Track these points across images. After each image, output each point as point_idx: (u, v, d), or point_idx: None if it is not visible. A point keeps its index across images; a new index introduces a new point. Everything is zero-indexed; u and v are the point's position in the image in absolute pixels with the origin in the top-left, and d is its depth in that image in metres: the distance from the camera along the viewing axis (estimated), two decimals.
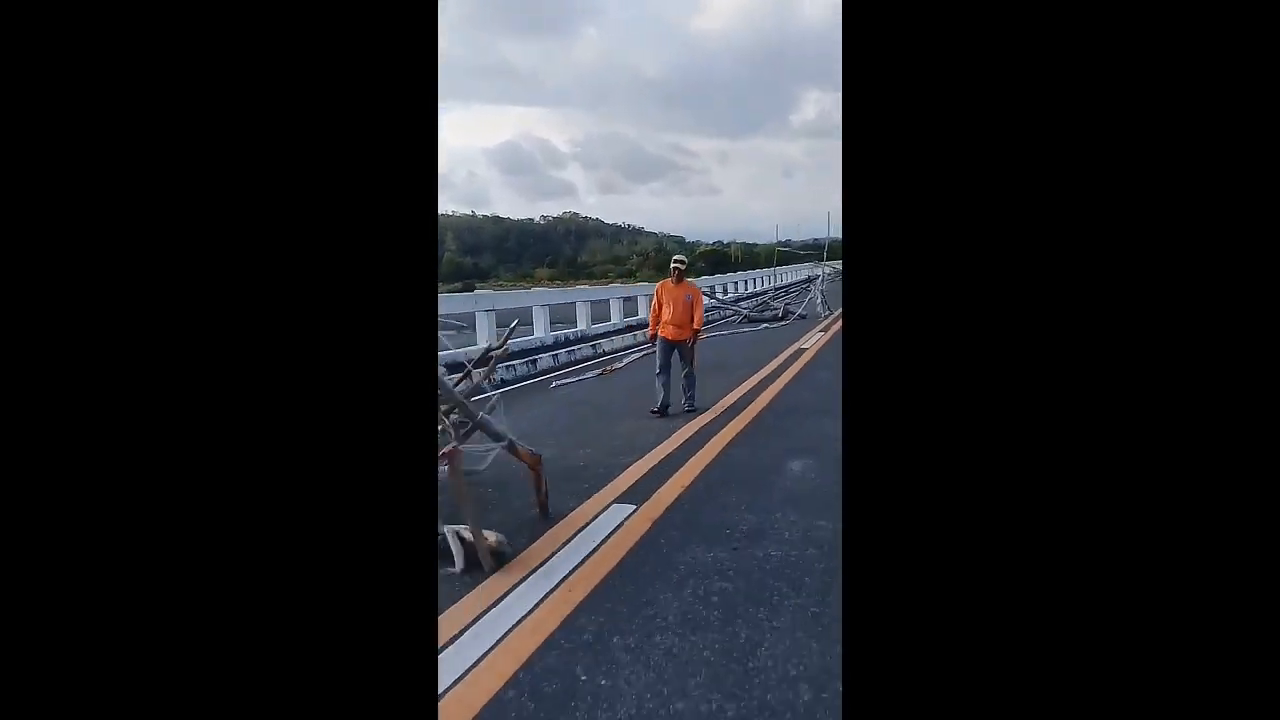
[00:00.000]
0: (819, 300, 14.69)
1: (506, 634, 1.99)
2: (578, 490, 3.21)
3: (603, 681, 1.76)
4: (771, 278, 22.30)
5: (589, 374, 7.14)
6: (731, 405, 5.27)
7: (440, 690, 1.71)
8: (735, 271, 22.47)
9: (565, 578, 2.34)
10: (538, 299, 9.44)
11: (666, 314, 5.27)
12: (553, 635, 1.98)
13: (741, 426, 4.57)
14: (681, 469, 3.59)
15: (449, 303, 7.69)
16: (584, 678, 1.78)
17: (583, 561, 2.47)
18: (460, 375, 3.31)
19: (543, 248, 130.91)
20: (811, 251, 31.84)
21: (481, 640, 1.96)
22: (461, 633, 2.00)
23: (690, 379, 5.23)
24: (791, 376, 6.61)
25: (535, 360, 7.77)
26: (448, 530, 2.48)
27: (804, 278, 24.46)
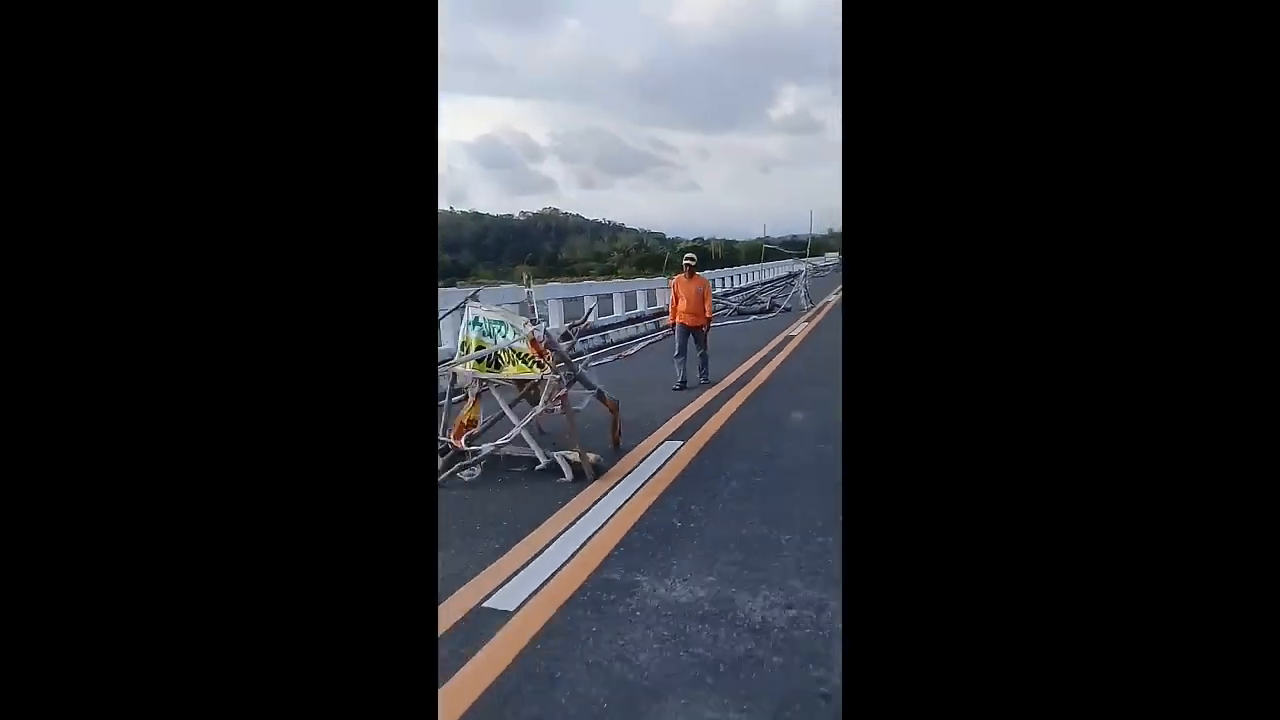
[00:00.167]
0: (802, 294, 15.89)
1: (619, 508, 3.04)
2: (635, 435, 4.26)
3: (692, 524, 2.84)
4: (759, 273, 23.63)
5: (607, 358, 8.18)
6: (738, 379, 6.35)
7: (571, 549, 2.72)
8: (716, 269, 23.70)
9: (647, 481, 3.41)
10: (550, 293, 10.45)
11: (682, 305, 6.32)
12: (652, 505, 3.04)
13: (749, 393, 5.67)
14: (709, 420, 4.67)
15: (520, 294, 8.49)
16: (676, 526, 2.84)
17: (655, 472, 3.53)
18: (563, 340, 4.33)
19: (523, 244, 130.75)
20: (792, 249, 33.22)
21: (601, 514, 3.00)
22: (586, 512, 3.04)
23: (704, 358, 6.30)
24: (784, 357, 7.72)
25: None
26: (555, 454, 3.52)
27: (785, 274, 25.75)
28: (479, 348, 3.85)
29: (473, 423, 3.85)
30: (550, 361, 3.61)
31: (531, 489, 3.37)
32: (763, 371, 6.80)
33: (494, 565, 2.50)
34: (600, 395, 3.95)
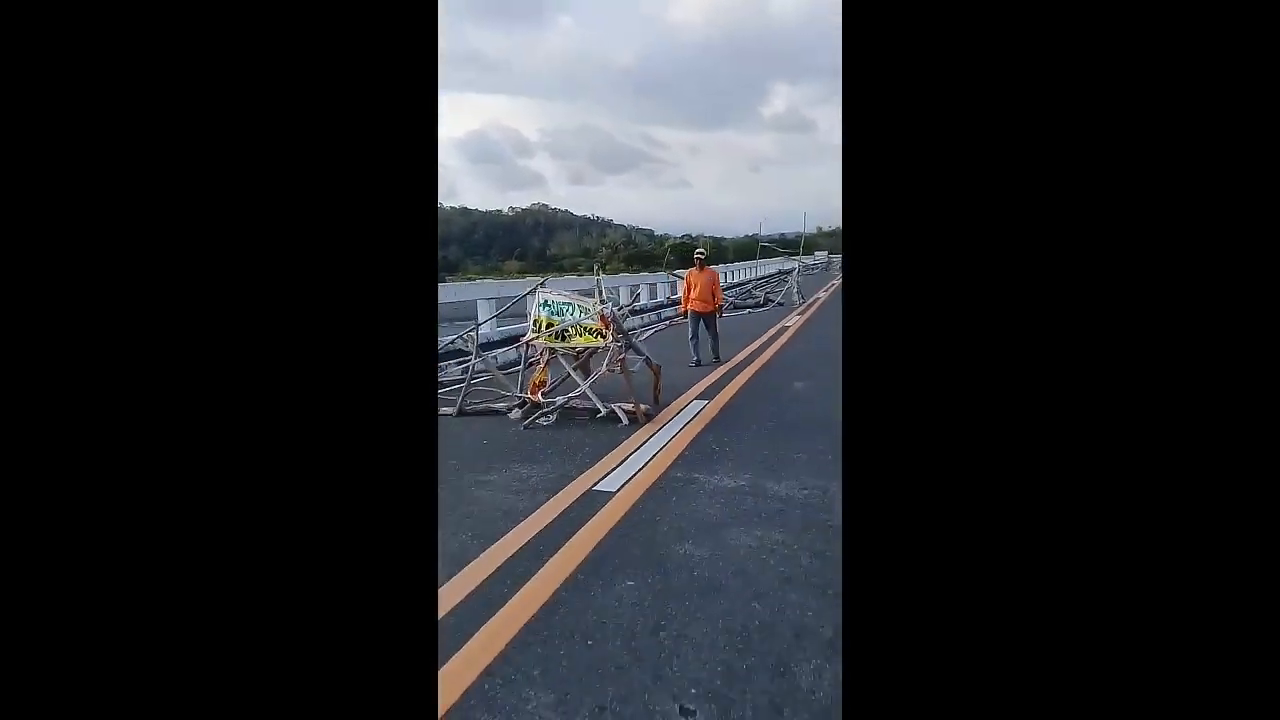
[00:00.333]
0: (795, 290, 17.04)
1: (668, 442, 4.10)
2: (668, 396, 5.32)
3: (726, 449, 3.91)
4: (751, 270, 24.85)
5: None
6: (744, 359, 7.43)
7: (642, 461, 3.77)
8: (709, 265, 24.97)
9: (685, 425, 4.47)
10: (568, 286, 11.48)
11: (694, 293, 7.39)
12: (692, 441, 4.11)
13: (756, 369, 6.75)
14: (725, 387, 5.75)
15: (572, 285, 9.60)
16: (715, 449, 3.91)
17: (690, 420, 4.60)
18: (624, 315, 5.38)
19: (511, 240, 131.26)
20: (783, 247, 34.52)
21: (657, 443, 4.06)
22: (646, 441, 4.09)
23: (715, 337, 7.38)
24: (782, 343, 8.82)
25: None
26: (614, 406, 4.57)
27: (775, 271, 27.00)
28: (549, 325, 4.90)
29: (543, 383, 4.90)
30: (612, 333, 4.67)
31: (599, 429, 4.43)
32: (765, 354, 7.89)
33: (590, 470, 3.55)
34: (648, 360, 5.02)
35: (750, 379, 6.24)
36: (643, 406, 4.59)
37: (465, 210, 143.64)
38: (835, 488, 3.21)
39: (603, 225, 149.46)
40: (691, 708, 1.67)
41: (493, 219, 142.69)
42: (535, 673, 1.82)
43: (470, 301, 8.80)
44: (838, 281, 23.49)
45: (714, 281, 7.53)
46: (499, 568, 2.46)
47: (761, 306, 15.31)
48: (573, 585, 2.31)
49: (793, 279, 18.56)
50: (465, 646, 1.94)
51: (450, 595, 2.25)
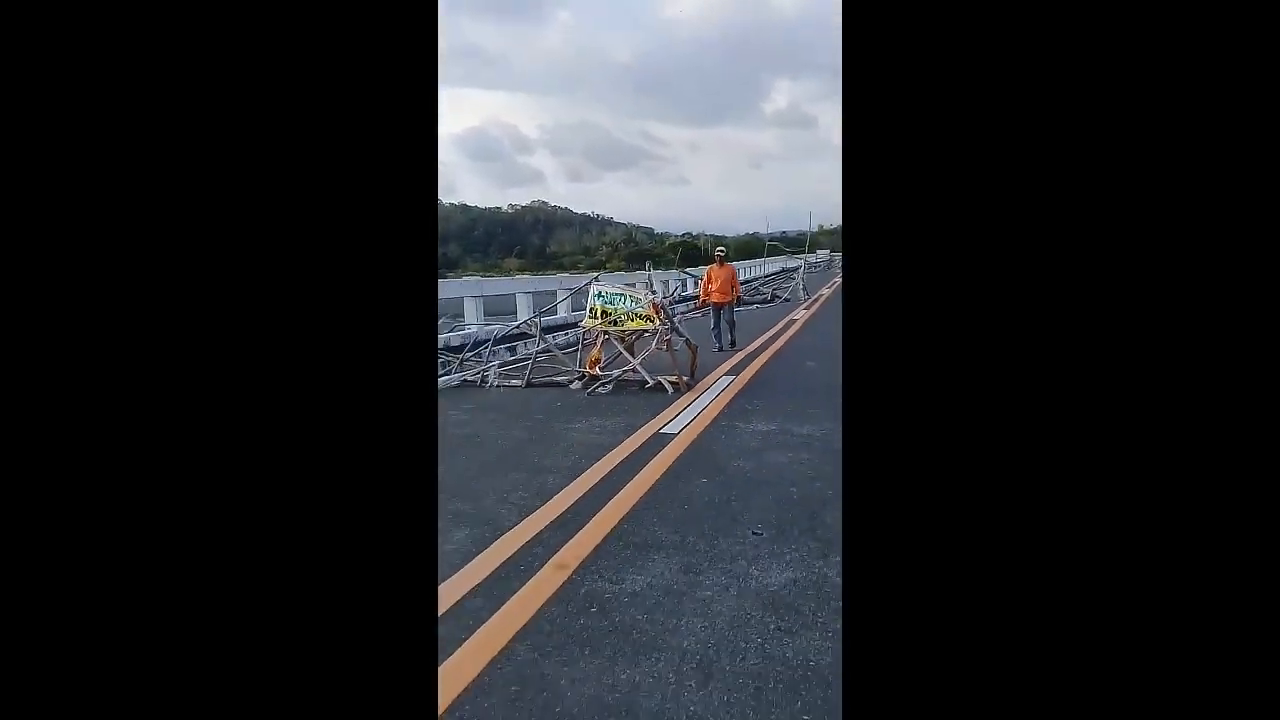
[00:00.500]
0: (801, 287, 18.15)
1: (709, 404, 5.19)
2: (699, 374, 6.41)
3: (757, 408, 5.02)
4: (761, 267, 26.11)
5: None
6: (759, 347, 8.52)
7: (692, 416, 4.85)
8: (706, 264, 26.29)
9: (719, 394, 5.56)
10: (569, 283, 12.57)
11: (714, 286, 8.47)
12: (728, 403, 5.20)
13: (772, 353, 7.84)
14: (748, 367, 6.84)
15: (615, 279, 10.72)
16: (748, 408, 5.00)
17: (723, 391, 5.69)
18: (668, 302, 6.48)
19: (511, 237, 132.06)
20: (786, 245, 35.73)
21: (700, 405, 5.15)
22: (690, 404, 5.17)
23: (733, 327, 8.47)
24: (793, 333, 9.92)
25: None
26: (660, 378, 5.66)
27: (779, 269, 28.17)
28: (604, 313, 5.98)
29: (598, 360, 5.99)
30: (660, 317, 5.76)
31: (649, 396, 5.51)
32: (777, 342, 8.98)
33: (651, 421, 4.63)
34: (687, 341, 6.12)
35: (768, 361, 7.33)
36: (684, 378, 5.68)
37: (464, 207, 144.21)
38: None
39: (602, 223, 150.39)
40: (760, 530, 2.75)
41: (492, 216, 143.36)
42: (656, 519, 2.90)
43: (509, 295, 9.90)
44: (839, 279, 24.64)
45: (733, 276, 8.63)
46: (609, 473, 3.54)
47: (769, 302, 16.41)
48: (664, 481, 3.40)
49: (799, 276, 19.69)
50: (609, 503, 3.02)
51: (581, 486, 3.32)
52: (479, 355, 6.84)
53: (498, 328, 7.48)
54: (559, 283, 11.30)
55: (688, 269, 16.12)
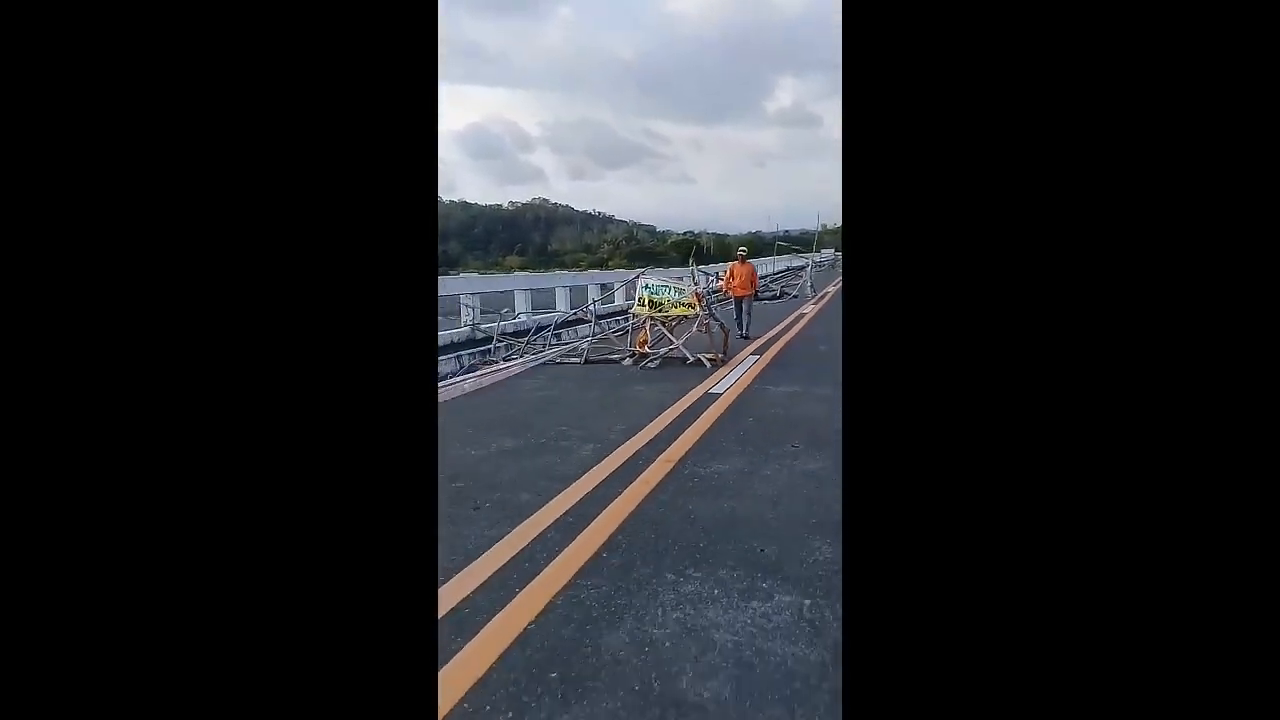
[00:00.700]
0: (809, 285, 19.44)
1: (745, 370, 6.48)
2: (730, 353, 7.70)
3: (781, 375, 6.32)
4: (771, 264, 27.55)
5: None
6: (776, 334, 9.82)
7: (731, 382, 6.12)
8: (716, 262, 27.69)
9: (749, 369, 6.85)
10: (614, 277, 13.87)
11: (736, 281, 9.78)
12: (757, 375, 6.50)
13: (788, 340, 9.14)
14: (769, 349, 8.13)
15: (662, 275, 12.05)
16: (775, 377, 6.30)
17: (751, 365, 6.98)
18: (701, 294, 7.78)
19: (512, 235, 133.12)
20: (794, 245, 37.12)
21: (735, 374, 6.44)
22: (725, 376, 6.46)
23: (749, 316, 9.78)
24: (803, 324, 11.22)
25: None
26: (699, 355, 6.95)
27: (784, 268, 29.54)
28: (651, 302, 7.27)
29: (645, 340, 7.29)
30: (700, 305, 7.05)
31: (690, 370, 6.79)
32: (791, 331, 10.28)
33: (698, 386, 5.91)
34: (721, 325, 7.43)
35: (786, 344, 8.63)
36: (719, 355, 6.98)
37: (465, 204, 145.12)
38: None
39: (604, 221, 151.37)
40: (798, 445, 4.04)
41: (492, 213, 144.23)
42: (722, 439, 4.18)
43: (549, 290, 11.20)
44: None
45: (753, 273, 9.93)
46: (677, 416, 4.81)
47: (778, 299, 17.69)
48: (721, 420, 4.68)
49: (807, 274, 21.01)
50: (686, 430, 4.30)
51: (660, 423, 4.60)
52: (542, 339, 8.14)
53: (557, 315, 8.78)
54: (590, 278, 12.61)
55: (703, 267, 17.48)
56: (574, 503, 3.11)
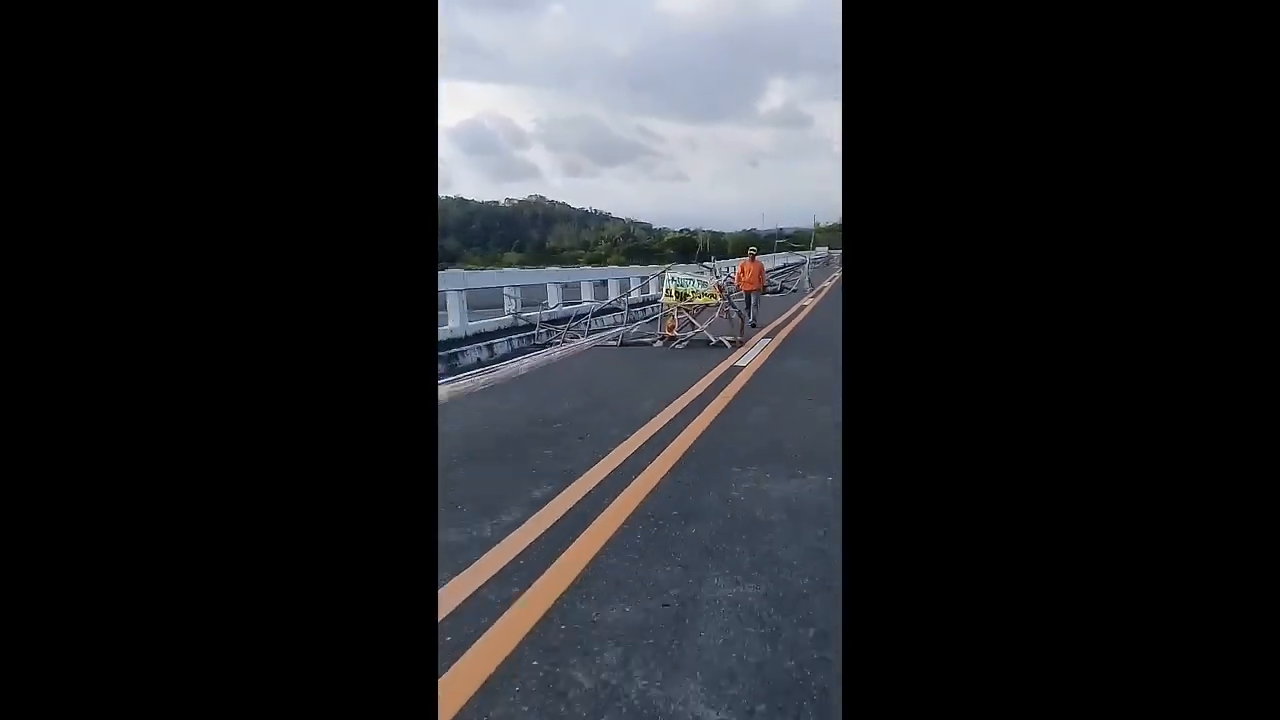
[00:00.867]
0: (806, 280, 20.65)
1: (760, 351, 7.66)
2: (745, 337, 8.87)
3: (790, 354, 7.52)
4: (772, 261, 28.79)
5: None
6: (782, 323, 11.00)
7: (750, 358, 7.30)
8: (717, 260, 28.88)
9: (763, 349, 8.03)
10: (627, 273, 15.00)
11: (746, 276, 10.95)
12: (771, 353, 7.69)
13: (791, 328, 10.34)
14: (778, 334, 9.32)
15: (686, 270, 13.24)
16: (786, 355, 7.49)
17: (765, 346, 8.16)
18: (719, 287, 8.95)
19: (509, 231, 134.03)
20: (787, 243, 38.26)
21: (752, 354, 7.62)
22: (745, 354, 7.63)
23: (757, 309, 10.96)
24: (804, 315, 12.42)
25: (649, 308, 13.39)
26: (721, 338, 8.13)
27: (781, 265, 30.78)
28: (677, 294, 8.44)
29: (673, 326, 8.47)
30: (721, 295, 8.23)
31: (714, 350, 7.96)
32: (794, 321, 11.48)
33: (723, 362, 7.08)
34: (739, 312, 8.62)
35: (792, 331, 9.83)
36: (738, 338, 8.16)
37: (462, 200, 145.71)
38: None
39: (600, 218, 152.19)
40: (812, 398, 5.23)
41: (490, 210, 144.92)
42: (753, 394, 5.36)
43: (576, 284, 12.34)
44: (838, 274, 27.19)
45: (761, 269, 11.11)
46: (712, 383, 5.98)
47: (778, 293, 18.88)
48: (749, 383, 5.85)
49: (805, 270, 22.22)
50: (723, 390, 5.47)
51: (699, 387, 5.76)
52: (580, 325, 9.31)
53: (590, 305, 9.95)
54: (611, 273, 13.76)
55: (707, 264, 18.70)
56: (651, 435, 4.27)
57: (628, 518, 2.91)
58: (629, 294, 9.19)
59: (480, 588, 2.31)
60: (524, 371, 6.94)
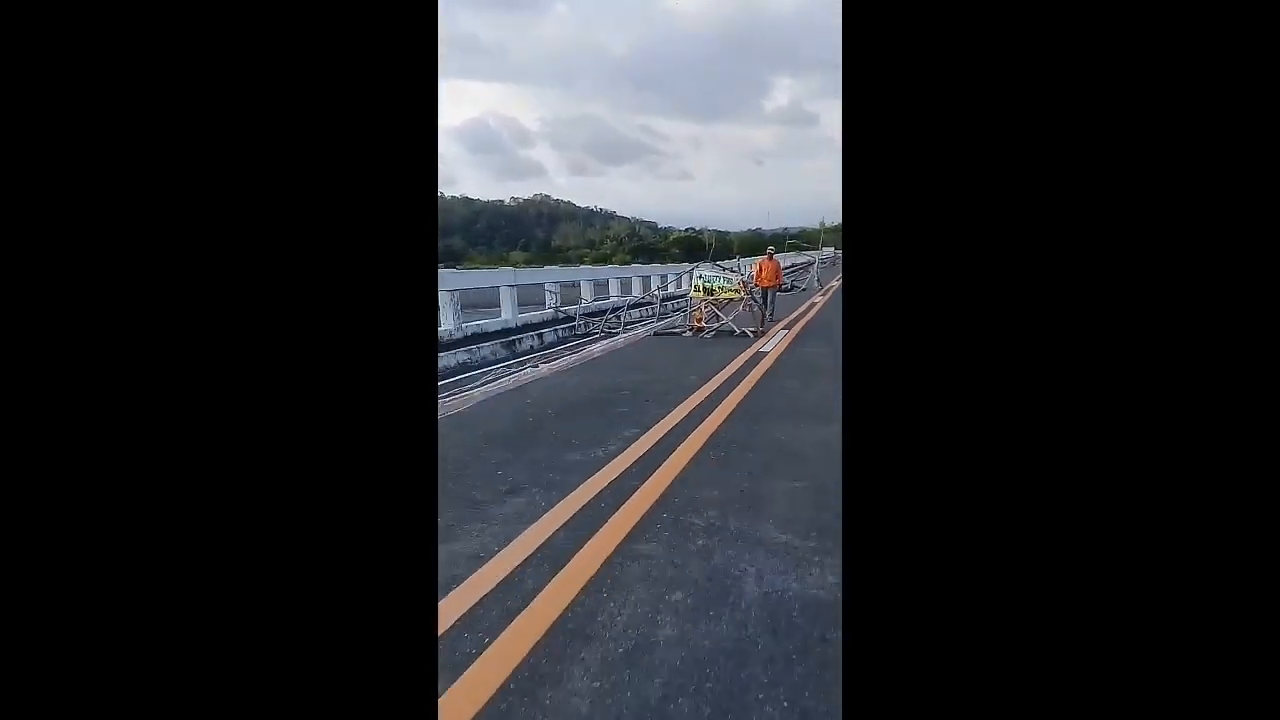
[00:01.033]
0: (815, 279, 21.75)
1: (780, 340, 8.76)
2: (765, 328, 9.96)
3: (808, 341, 8.62)
4: (781, 260, 30.02)
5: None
6: (795, 317, 12.09)
7: (771, 345, 8.40)
8: (720, 259, 29.96)
9: (782, 338, 9.12)
10: (655, 270, 16.09)
11: (764, 274, 12.05)
12: (790, 342, 8.78)
13: (805, 322, 11.43)
14: (794, 326, 10.40)
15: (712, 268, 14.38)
16: (803, 342, 8.59)
17: (784, 336, 9.26)
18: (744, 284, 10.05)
19: (514, 230, 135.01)
20: (801, 242, 39.24)
21: (773, 342, 8.72)
22: (767, 342, 8.72)
23: (773, 304, 12.05)
24: (816, 311, 13.52)
25: (674, 302, 14.50)
26: (744, 329, 9.23)
27: (789, 264, 31.83)
28: (706, 289, 9.54)
29: (700, 318, 9.57)
30: (744, 290, 9.34)
31: (738, 340, 9.05)
32: (807, 315, 12.56)
33: (748, 349, 8.18)
34: (761, 306, 9.73)
35: (806, 324, 10.92)
36: (760, 329, 9.27)
37: (467, 199, 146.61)
38: None
39: (605, 217, 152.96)
40: (830, 376, 6.32)
41: (494, 209, 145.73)
42: (779, 374, 6.45)
43: (604, 280, 13.45)
44: None
45: (778, 267, 12.22)
46: (741, 365, 7.07)
47: (788, 290, 19.96)
48: (774, 365, 6.94)
49: (814, 270, 23.33)
50: (753, 370, 6.56)
51: (731, 368, 6.84)
52: (616, 318, 10.43)
53: (629, 298, 11.06)
54: (634, 271, 14.86)
55: (722, 262, 19.87)
56: (702, 399, 5.36)
57: (700, 448, 4.00)
58: (665, 289, 10.29)
59: (614, 479, 3.41)
60: (578, 361, 8.04)
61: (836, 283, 23.32)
